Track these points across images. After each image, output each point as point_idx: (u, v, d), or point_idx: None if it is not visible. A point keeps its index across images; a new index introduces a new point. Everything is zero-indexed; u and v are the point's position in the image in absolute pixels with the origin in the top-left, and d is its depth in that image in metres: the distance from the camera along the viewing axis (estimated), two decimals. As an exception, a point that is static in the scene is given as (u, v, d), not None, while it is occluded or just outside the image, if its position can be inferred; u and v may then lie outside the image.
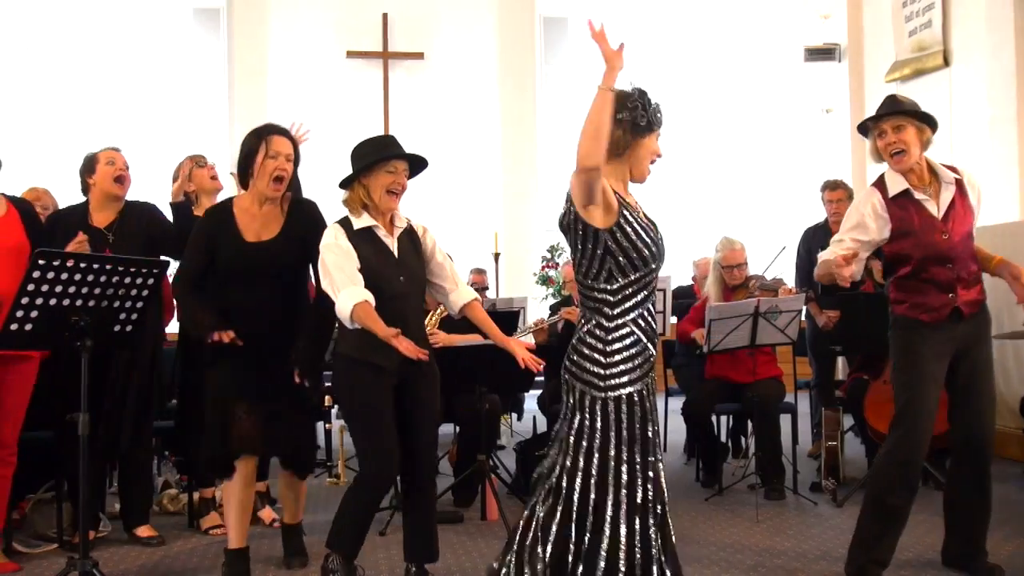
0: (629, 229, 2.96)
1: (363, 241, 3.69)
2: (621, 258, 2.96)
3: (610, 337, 2.99)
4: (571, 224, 2.99)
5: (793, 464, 5.70)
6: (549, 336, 5.90)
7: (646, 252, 2.98)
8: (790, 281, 6.28)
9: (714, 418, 6.03)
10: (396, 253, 3.75)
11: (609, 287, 2.99)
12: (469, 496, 5.33)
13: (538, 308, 10.39)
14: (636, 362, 3.00)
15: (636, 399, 2.98)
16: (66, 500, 4.64)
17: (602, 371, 2.98)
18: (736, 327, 5.31)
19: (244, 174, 4.04)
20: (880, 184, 3.89)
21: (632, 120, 2.99)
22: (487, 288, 9.04)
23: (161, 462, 5.72)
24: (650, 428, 3.01)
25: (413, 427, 3.75)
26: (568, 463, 2.99)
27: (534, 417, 6.71)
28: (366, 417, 3.70)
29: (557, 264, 11.93)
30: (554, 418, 5.83)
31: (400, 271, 3.73)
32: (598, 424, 2.97)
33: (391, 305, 3.61)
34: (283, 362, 3.96)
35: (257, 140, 3.97)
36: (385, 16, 12.34)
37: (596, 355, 2.99)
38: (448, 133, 11.95)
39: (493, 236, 10.62)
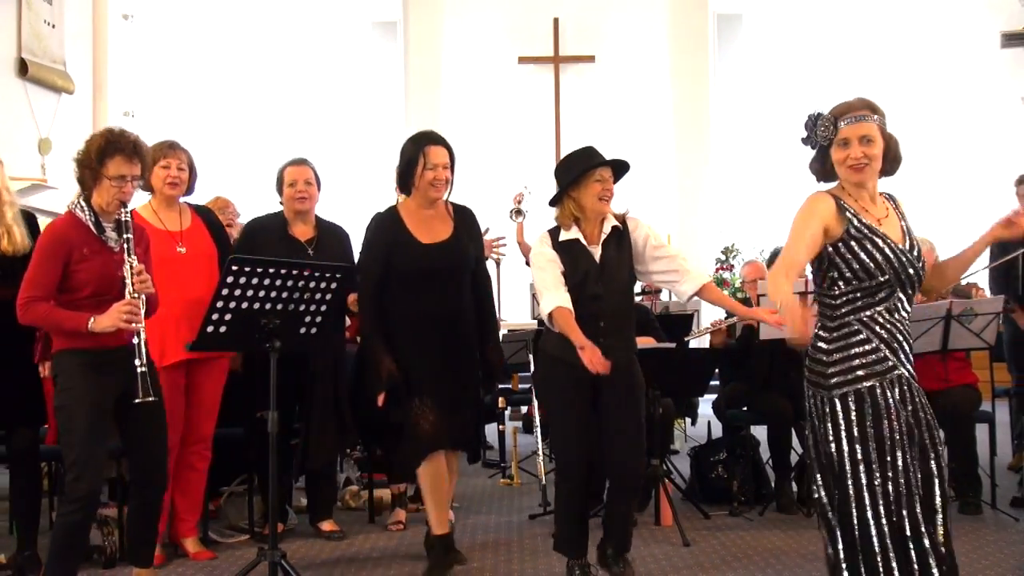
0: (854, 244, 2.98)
1: (566, 252, 3.86)
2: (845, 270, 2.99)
3: (832, 336, 3.00)
4: None
5: (991, 477, 5.34)
6: (727, 338, 5.75)
7: (870, 265, 2.96)
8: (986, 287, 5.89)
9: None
10: (598, 260, 3.87)
11: (831, 292, 3.03)
12: (642, 500, 5.26)
13: (713, 310, 10.16)
14: (867, 359, 2.95)
15: (867, 396, 2.94)
16: (257, 494, 4.89)
17: (824, 369, 2.99)
18: (926, 331, 5.02)
19: (406, 182, 4.19)
20: None
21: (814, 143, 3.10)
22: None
23: (343, 460, 5.92)
24: (887, 426, 2.93)
25: (609, 423, 3.84)
26: (817, 475, 3.04)
27: (708, 422, 6.56)
28: (558, 412, 3.93)
29: (732, 266, 11.64)
30: (729, 423, 5.76)
31: (600, 277, 3.84)
32: (828, 425, 2.97)
33: (587, 307, 3.76)
34: (460, 360, 4.11)
35: (416, 149, 4.14)
36: (556, 20, 12.41)
37: (819, 355, 3.01)
38: (620, 135, 11.87)
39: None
